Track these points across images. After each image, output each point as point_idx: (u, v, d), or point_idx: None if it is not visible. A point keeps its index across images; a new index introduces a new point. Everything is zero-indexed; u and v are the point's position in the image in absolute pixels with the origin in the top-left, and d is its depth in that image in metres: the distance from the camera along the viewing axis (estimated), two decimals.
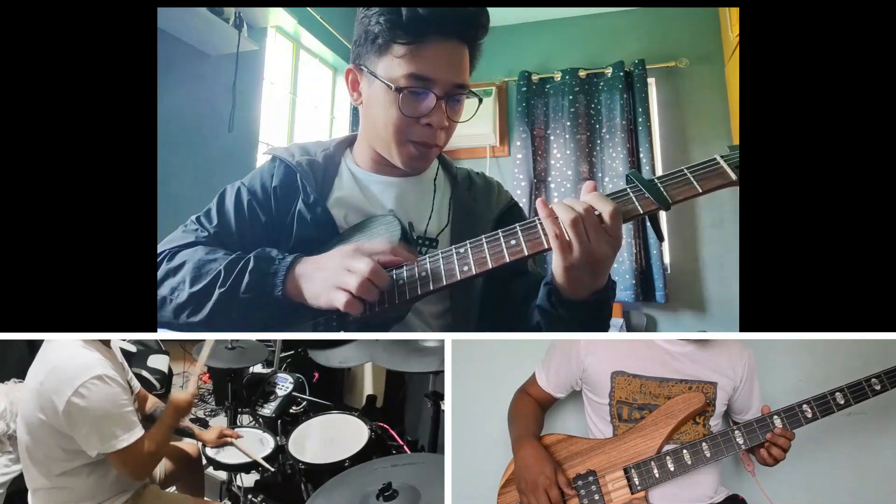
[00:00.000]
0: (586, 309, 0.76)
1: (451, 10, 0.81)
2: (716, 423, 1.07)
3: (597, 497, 1.00)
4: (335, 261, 0.77)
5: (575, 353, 1.10)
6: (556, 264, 0.72)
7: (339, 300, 0.73)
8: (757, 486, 1.13)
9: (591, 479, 1.02)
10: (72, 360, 1.04)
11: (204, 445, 1.44)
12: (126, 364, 1.22)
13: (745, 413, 1.11)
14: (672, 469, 1.01)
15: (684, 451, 1.02)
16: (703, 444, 1.03)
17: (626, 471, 1.02)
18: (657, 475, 1.01)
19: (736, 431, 1.03)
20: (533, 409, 1.13)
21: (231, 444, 1.42)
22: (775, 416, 1.03)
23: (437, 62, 0.82)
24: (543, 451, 1.02)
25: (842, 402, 1.03)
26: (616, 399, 1.07)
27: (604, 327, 0.80)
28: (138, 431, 1.08)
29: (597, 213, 0.69)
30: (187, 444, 1.48)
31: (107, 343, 1.13)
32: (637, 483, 1.01)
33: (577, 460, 1.04)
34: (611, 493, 1.01)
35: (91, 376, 1.02)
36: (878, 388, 1.04)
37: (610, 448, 1.04)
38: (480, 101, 0.92)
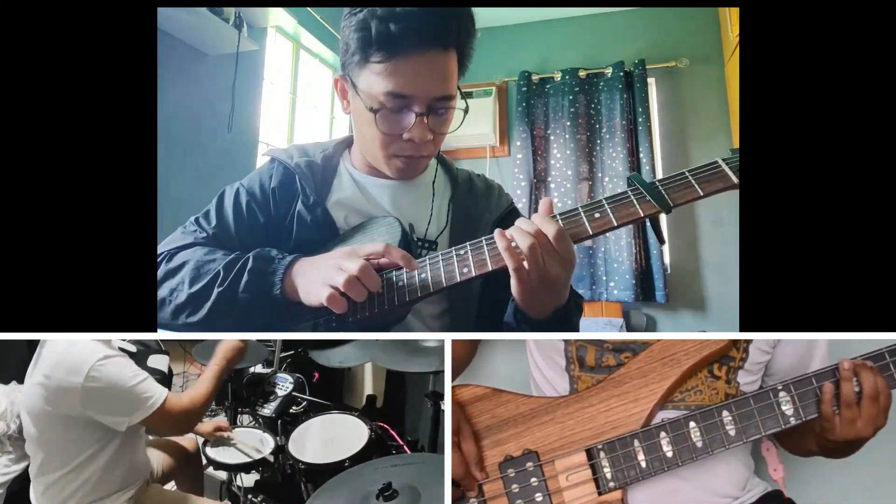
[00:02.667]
0: (549, 325, 0.75)
1: (425, 17, 0.75)
2: (750, 379, 0.73)
3: (539, 496, 0.63)
4: (331, 260, 0.77)
5: None
6: (513, 287, 0.71)
7: (324, 295, 0.73)
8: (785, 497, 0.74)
9: (529, 465, 0.65)
10: (73, 348, 1.05)
11: (204, 443, 1.44)
12: None
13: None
14: (669, 454, 0.64)
15: (691, 422, 0.65)
16: (724, 410, 0.65)
17: (590, 454, 0.65)
18: (644, 464, 0.64)
19: (781, 392, 0.65)
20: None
21: (226, 437, 1.43)
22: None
23: (416, 77, 0.78)
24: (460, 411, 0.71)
25: None
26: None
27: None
28: (161, 393, 1.08)
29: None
30: (185, 440, 1.48)
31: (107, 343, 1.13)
32: (609, 477, 0.64)
33: (508, 433, 0.67)
34: (563, 491, 0.63)
35: (97, 359, 1.04)
36: None
37: (564, 413, 0.68)
38: (465, 111, 0.86)
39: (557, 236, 0.67)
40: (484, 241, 0.75)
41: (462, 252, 0.76)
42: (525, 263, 0.67)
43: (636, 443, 0.64)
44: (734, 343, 0.67)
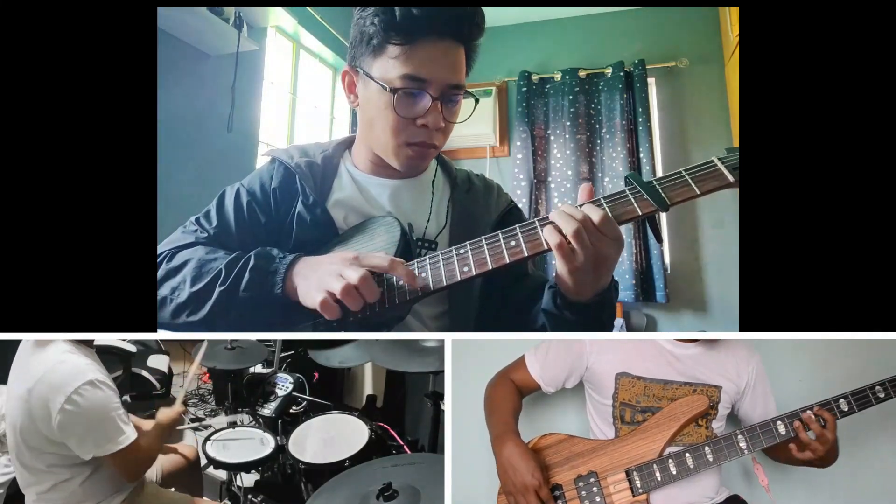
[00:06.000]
0: (591, 310, 0.77)
1: (445, 10, 0.81)
2: (719, 426, 1.06)
3: (598, 499, 0.99)
4: (332, 265, 0.77)
5: (577, 351, 1.08)
6: (560, 269, 0.73)
7: (318, 300, 0.73)
8: (770, 500, 1.09)
9: (592, 480, 1.01)
10: (61, 365, 1.03)
11: (204, 443, 1.44)
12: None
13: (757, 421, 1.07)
14: (674, 472, 1.00)
15: (686, 454, 1.01)
16: (706, 447, 1.01)
17: (627, 473, 1.01)
18: (659, 478, 1.00)
19: (739, 435, 1.02)
20: (513, 399, 1.09)
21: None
22: (778, 422, 1.02)
23: (432, 62, 0.82)
24: (527, 449, 0.99)
25: (845, 408, 1.03)
26: (619, 401, 1.06)
27: (607, 328, 0.81)
28: (132, 433, 1.07)
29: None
30: (184, 447, 1.48)
31: (89, 344, 1.11)
32: (639, 486, 1.00)
33: (579, 461, 1.02)
34: (612, 495, 1.00)
35: (83, 382, 1.02)
36: (881, 395, 1.03)
37: (612, 449, 1.03)
38: (477, 101, 0.92)
39: (602, 220, 0.70)
40: (484, 241, 0.75)
41: (462, 251, 0.76)
42: (572, 245, 0.69)
43: (654, 466, 1.02)
44: (710, 406, 1.04)
